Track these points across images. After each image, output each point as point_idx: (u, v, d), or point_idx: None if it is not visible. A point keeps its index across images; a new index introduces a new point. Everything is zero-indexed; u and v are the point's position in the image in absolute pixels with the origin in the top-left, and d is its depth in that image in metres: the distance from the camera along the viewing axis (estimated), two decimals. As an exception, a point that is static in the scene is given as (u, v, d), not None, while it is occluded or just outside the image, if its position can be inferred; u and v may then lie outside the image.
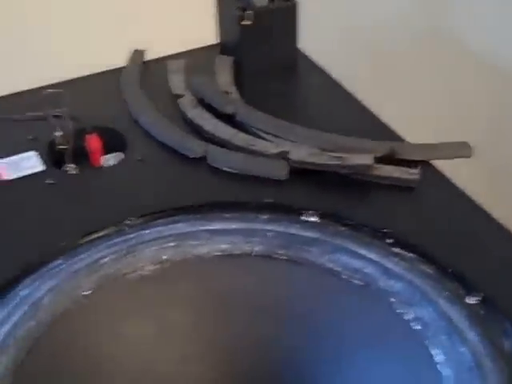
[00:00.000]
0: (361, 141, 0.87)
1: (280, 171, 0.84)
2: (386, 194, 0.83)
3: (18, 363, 0.67)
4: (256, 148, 0.87)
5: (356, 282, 0.73)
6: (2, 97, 1.01)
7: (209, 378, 0.76)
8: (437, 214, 0.81)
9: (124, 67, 1.06)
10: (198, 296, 0.77)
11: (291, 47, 1.06)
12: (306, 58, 1.08)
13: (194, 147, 0.88)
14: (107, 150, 0.92)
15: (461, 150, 0.87)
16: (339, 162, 0.83)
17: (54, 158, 0.90)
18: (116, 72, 1.05)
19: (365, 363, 0.71)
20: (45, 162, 0.89)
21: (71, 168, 0.89)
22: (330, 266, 0.75)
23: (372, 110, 0.96)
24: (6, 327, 0.69)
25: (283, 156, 0.85)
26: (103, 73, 1.06)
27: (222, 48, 1.09)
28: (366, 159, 0.83)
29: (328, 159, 0.84)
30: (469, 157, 0.87)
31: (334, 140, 0.87)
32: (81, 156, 0.90)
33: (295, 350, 0.75)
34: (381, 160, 0.84)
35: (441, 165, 0.87)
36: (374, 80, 1.28)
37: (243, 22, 1.00)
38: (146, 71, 1.06)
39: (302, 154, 0.85)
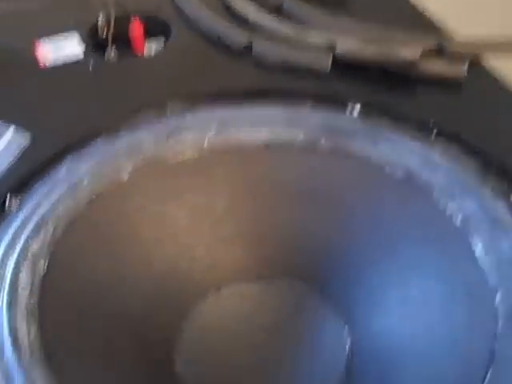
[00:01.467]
0: (408, 35, 0.84)
1: (324, 62, 0.82)
2: (431, 89, 0.80)
3: (56, 240, 0.67)
4: (301, 39, 0.85)
5: (398, 174, 0.72)
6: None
7: (244, 263, 0.76)
8: (483, 110, 0.78)
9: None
10: (237, 183, 0.75)
11: None
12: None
13: (239, 37, 0.86)
14: (150, 37, 0.90)
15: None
16: (385, 55, 0.80)
17: (95, 43, 0.89)
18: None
19: (405, 256, 0.70)
20: (86, 47, 0.88)
21: (113, 54, 0.88)
22: (373, 157, 0.73)
23: (420, 5, 0.93)
24: (46, 205, 0.69)
25: (329, 47, 0.83)
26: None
27: None
28: (412, 53, 0.80)
29: (374, 51, 0.81)
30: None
31: (381, 33, 0.84)
32: (123, 42, 0.89)
33: (334, 241, 0.74)
34: (428, 55, 0.82)
35: (490, 61, 0.84)
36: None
37: None
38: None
39: (347, 45, 0.82)
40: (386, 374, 0.66)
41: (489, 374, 0.57)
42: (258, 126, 0.76)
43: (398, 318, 0.69)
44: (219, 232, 0.75)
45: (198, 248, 0.75)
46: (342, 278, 0.73)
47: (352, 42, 0.83)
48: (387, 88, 0.81)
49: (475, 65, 0.82)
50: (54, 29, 0.90)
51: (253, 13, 0.89)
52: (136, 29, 0.88)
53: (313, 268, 0.75)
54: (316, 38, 0.84)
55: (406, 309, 0.69)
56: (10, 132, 0.76)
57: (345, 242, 0.73)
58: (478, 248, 0.65)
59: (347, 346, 0.70)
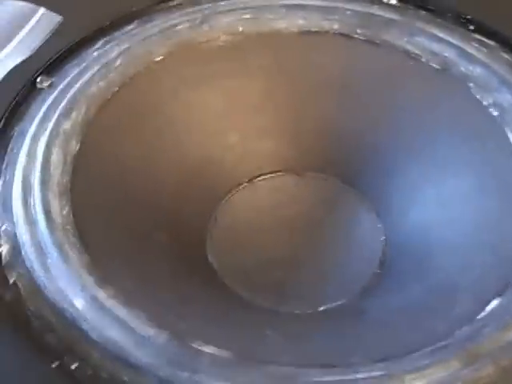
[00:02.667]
0: None
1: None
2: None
3: (87, 120, 0.65)
4: None
5: (434, 65, 0.70)
6: None
7: (278, 155, 0.74)
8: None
9: None
10: (271, 70, 0.73)
11: None
12: None
13: None
14: None
15: None
16: None
17: None
18: None
19: (442, 150, 0.69)
20: None
21: None
22: (409, 48, 0.71)
23: None
24: (77, 85, 0.67)
25: None
26: None
27: None
28: None
29: None
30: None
31: None
32: None
33: (369, 135, 0.72)
34: None
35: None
36: None
37: None
38: None
39: None
40: (418, 264, 0.65)
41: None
42: (294, 12, 0.74)
43: (431, 212, 0.68)
44: (253, 120, 0.73)
45: (231, 136, 0.73)
46: (377, 173, 0.72)
47: None
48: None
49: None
50: None
51: None
52: None
53: (348, 162, 0.74)
54: None
55: (441, 202, 0.68)
56: (40, 13, 0.74)
57: (380, 135, 0.72)
58: (516, 140, 0.63)
59: (382, 239, 0.69)
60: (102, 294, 0.53)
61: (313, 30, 0.73)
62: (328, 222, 0.71)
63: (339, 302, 0.64)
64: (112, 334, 0.51)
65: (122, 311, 0.53)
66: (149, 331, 0.52)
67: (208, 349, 0.51)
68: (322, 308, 0.64)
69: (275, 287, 0.66)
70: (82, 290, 0.54)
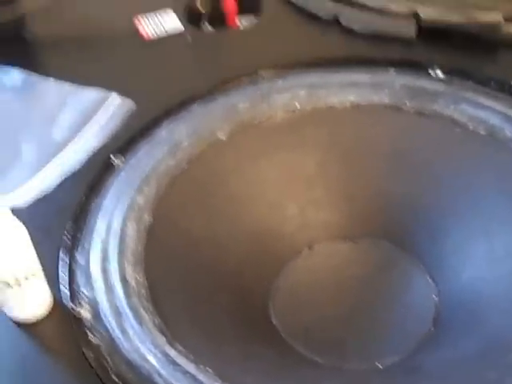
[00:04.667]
0: (490, 0, 0.86)
1: (409, 30, 0.84)
2: (513, 52, 0.82)
3: (158, 196, 0.71)
4: (387, 8, 0.87)
5: (481, 131, 0.73)
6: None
7: (334, 222, 0.78)
8: None
9: None
10: (325, 143, 0.78)
11: None
12: None
13: (327, 8, 0.89)
14: (242, 11, 0.94)
15: None
16: (468, 20, 0.82)
17: (191, 18, 0.92)
18: None
19: (489, 209, 0.72)
20: (183, 21, 0.92)
21: (208, 28, 0.91)
22: (456, 116, 0.75)
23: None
24: (149, 163, 0.73)
25: (413, 15, 0.85)
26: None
27: None
28: (494, 16, 0.82)
29: (457, 17, 0.83)
30: None
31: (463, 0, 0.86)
32: (217, 17, 0.93)
33: (419, 199, 0.76)
34: (510, 19, 0.83)
35: None
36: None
37: None
38: None
39: (431, 12, 0.84)
40: (471, 320, 0.67)
41: None
42: (346, 89, 0.79)
43: (482, 270, 0.71)
44: (309, 191, 0.78)
45: (290, 207, 0.78)
46: (428, 235, 0.75)
47: (435, 9, 0.84)
48: (470, 53, 0.82)
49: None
50: (153, 6, 0.94)
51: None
52: (229, 3, 0.92)
53: (400, 227, 0.77)
54: (400, 7, 0.86)
55: (491, 260, 0.70)
56: (113, 98, 0.81)
57: (429, 199, 0.75)
58: None
59: (435, 298, 0.72)
60: (173, 352, 0.58)
61: (364, 104, 0.78)
62: (383, 283, 0.74)
63: (395, 359, 0.67)
64: (183, 387, 0.56)
65: (191, 367, 0.57)
66: (216, 385, 0.56)
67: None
68: (378, 364, 0.67)
69: (334, 345, 0.69)
70: (155, 349, 0.58)
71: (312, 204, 0.78)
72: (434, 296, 0.72)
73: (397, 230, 0.76)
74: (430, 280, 0.73)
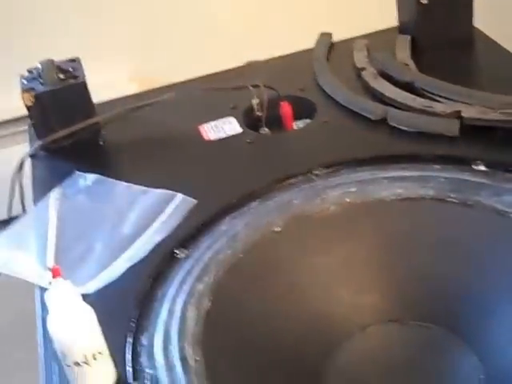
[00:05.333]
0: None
1: (453, 128, 0.89)
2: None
3: (217, 282, 0.76)
4: (431, 109, 0.92)
5: (522, 219, 0.77)
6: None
7: (382, 307, 0.81)
8: None
9: (314, 48, 1.14)
10: (375, 233, 0.82)
11: (467, 24, 1.10)
12: (482, 34, 1.12)
13: (376, 109, 0.95)
14: (297, 116, 1.00)
15: None
16: (507, 117, 0.87)
17: (250, 122, 1.00)
18: (307, 52, 1.13)
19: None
20: (242, 126, 0.99)
21: (266, 131, 0.98)
22: (498, 206, 0.79)
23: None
24: (209, 253, 0.79)
25: (456, 115, 0.90)
26: (295, 53, 1.15)
27: (401, 28, 1.15)
28: (532, 114, 0.86)
29: (497, 115, 0.88)
30: None
31: (503, 99, 0.91)
32: (274, 121, 0.99)
33: (463, 285, 0.79)
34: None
35: None
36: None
37: (421, 0, 1.05)
38: (333, 50, 1.13)
39: (473, 112, 0.89)
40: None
41: None
42: (394, 183, 0.84)
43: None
44: (361, 277, 0.82)
45: (342, 292, 0.82)
46: (475, 317, 0.77)
47: (476, 109, 0.90)
48: (510, 147, 0.86)
49: None
50: (215, 113, 1.02)
51: (388, 89, 0.98)
52: (285, 108, 0.99)
53: (447, 310, 0.79)
54: (443, 107, 0.91)
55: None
56: (178, 199, 0.87)
57: (474, 283, 0.78)
58: None
59: (481, 377, 0.74)
60: None
61: (411, 196, 0.82)
62: (431, 364, 0.76)
63: None
64: None
65: None
66: None
67: None
68: None
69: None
70: None
71: (363, 289, 0.81)
72: (481, 376, 0.74)
73: (443, 313, 0.79)
74: (476, 360, 0.75)
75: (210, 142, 0.97)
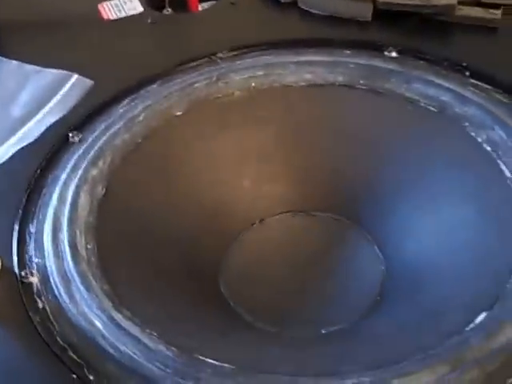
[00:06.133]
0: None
1: (365, 12, 0.84)
2: (467, 34, 0.81)
3: (113, 168, 0.71)
4: (344, -8, 0.87)
5: (432, 108, 0.73)
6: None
7: (287, 197, 0.78)
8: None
9: None
10: (281, 119, 0.78)
11: None
12: None
13: (285, -9, 0.89)
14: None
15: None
16: (424, 2, 0.82)
17: (153, 2, 0.92)
18: None
19: (438, 183, 0.72)
20: (144, 5, 0.92)
21: (169, 12, 0.91)
22: (408, 94, 0.75)
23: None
24: (105, 137, 0.73)
25: (370, -2, 0.85)
26: None
27: None
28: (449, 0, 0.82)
29: (413, 0, 0.83)
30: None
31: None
32: (178, 2, 0.93)
33: (371, 175, 0.76)
34: (464, 3, 0.83)
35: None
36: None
37: None
38: None
39: (387, -5, 0.85)
40: (414, 289, 0.67)
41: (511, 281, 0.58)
42: (302, 68, 0.79)
43: (427, 241, 0.71)
44: (264, 166, 0.78)
45: (245, 181, 0.78)
46: (378, 209, 0.75)
47: (391, -8, 0.85)
48: (425, 34, 0.82)
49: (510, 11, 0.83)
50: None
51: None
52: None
53: (351, 201, 0.77)
54: (357, -11, 0.86)
55: (438, 232, 0.70)
56: (74, 79, 0.80)
57: (380, 174, 0.75)
58: (508, 172, 0.66)
59: (382, 269, 0.72)
60: (119, 316, 0.58)
61: (319, 82, 0.78)
62: (333, 255, 0.74)
63: (340, 326, 0.67)
64: (126, 349, 0.55)
65: (136, 330, 0.57)
66: (159, 347, 0.55)
67: (211, 361, 0.55)
68: (323, 331, 0.67)
69: (279, 314, 0.69)
70: (101, 313, 0.58)
71: (266, 178, 0.78)
72: (381, 267, 0.72)
73: (348, 204, 0.76)
74: (378, 252, 0.73)
75: (110, 22, 0.90)
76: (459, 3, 0.82)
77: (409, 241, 0.72)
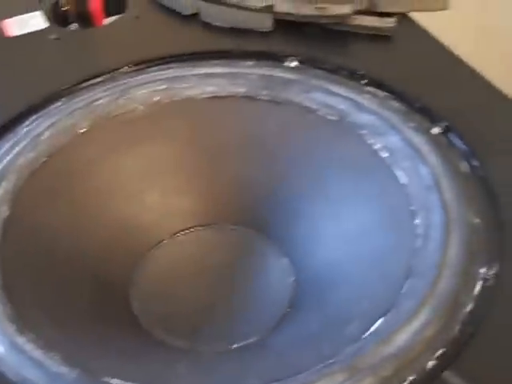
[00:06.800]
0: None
1: (266, 23, 0.85)
2: (363, 43, 0.83)
3: (17, 188, 0.69)
4: (244, 4, 0.87)
5: (330, 117, 0.74)
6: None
7: (195, 211, 0.79)
8: (411, 61, 0.81)
9: None
10: (185, 133, 0.78)
11: None
12: None
13: (187, 4, 0.89)
14: (109, 13, 0.93)
15: (435, 2, 0.87)
16: (320, 12, 0.83)
17: (57, 18, 0.91)
18: None
19: (337, 190, 0.73)
20: (49, 21, 0.90)
21: (74, 27, 0.90)
22: (308, 103, 0.76)
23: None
24: (9, 157, 0.72)
25: (269, 9, 0.85)
26: None
27: None
28: (345, 9, 0.83)
29: (311, 10, 0.84)
30: (444, 9, 0.87)
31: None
32: (83, 17, 0.92)
33: (274, 184, 0.76)
34: (360, 12, 0.84)
35: (419, 17, 0.87)
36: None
37: None
38: None
39: (285, 6, 0.85)
40: (321, 299, 0.68)
41: (405, 286, 0.60)
42: (204, 81, 0.79)
43: (333, 248, 0.72)
44: (170, 181, 0.78)
45: (152, 197, 0.78)
46: (283, 219, 0.76)
47: (289, 3, 0.85)
48: (323, 44, 0.83)
49: (405, 20, 0.85)
50: (21, 8, 0.93)
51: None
52: (95, 3, 0.91)
53: (258, 213, 0.77)
54: (256, 1, 0.86)
55: (341, 238, 0.72)
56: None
57: (284, 184, 0.76)
58: (403, 177, 0.68)
59: (291, 280, 0.73)
60: (21, 340, 0.57)
61: (221, 94, 0.78)
62: (242, 268, 0.74)
63: (251, 340, 0.68)
64: (28, 373, 0.55)
65: (38, 353, 0.56)
66: (62, 369, 0.55)
67: (117, 381, 0.54)
68: (234, 346, 0.67)
69: (190, 330, 0.69)
70: (3, 337, 0.57)
71: (173, 193, 0.78)
72: (291, 278, 0.72)
73: (257, 215, 0.77)
74: (288, 263, 0.73)
75: (13, 39, 0.88)
76: (355, 13, 0.83)
77: (316, 249, 0.72)
